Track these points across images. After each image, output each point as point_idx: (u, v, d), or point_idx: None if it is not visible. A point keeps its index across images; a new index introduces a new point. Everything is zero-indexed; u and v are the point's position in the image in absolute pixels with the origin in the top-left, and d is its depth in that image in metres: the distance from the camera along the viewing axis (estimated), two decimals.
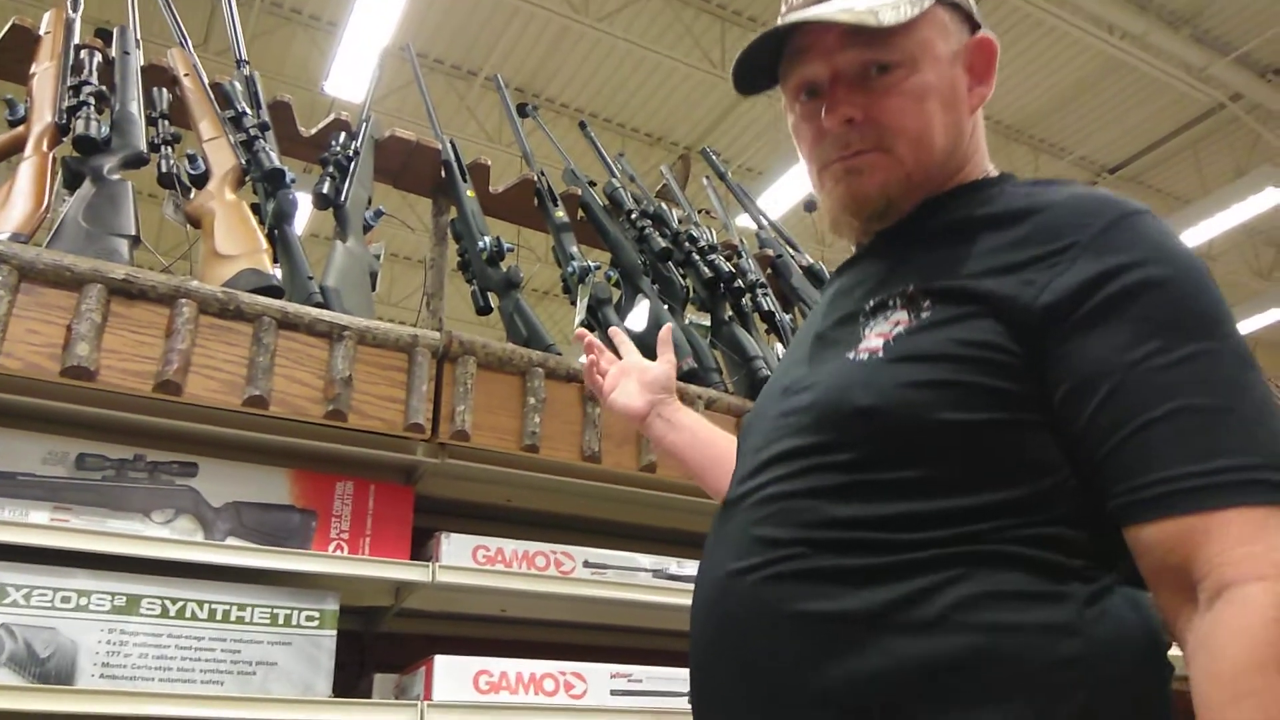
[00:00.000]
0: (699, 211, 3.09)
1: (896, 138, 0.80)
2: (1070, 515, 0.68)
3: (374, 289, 1.56)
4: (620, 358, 1.15)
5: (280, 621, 1.20)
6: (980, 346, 0.70)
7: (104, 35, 1.66)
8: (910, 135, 0.80)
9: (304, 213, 1.54)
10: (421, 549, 1.36)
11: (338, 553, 1.27)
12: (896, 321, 0.75)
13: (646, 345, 1.75)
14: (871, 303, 0.79)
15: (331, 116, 1.77)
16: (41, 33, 1.57)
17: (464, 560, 1.33)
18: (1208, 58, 7.33)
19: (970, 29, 0.85)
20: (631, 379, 1.10)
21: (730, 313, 1.93)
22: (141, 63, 1.60)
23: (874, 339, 0.76)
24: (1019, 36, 7.21)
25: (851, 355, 0.76)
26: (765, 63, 0.87)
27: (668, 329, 1.15)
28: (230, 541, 1.22)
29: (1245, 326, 9.38)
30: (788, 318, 2.02)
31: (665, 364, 1.10)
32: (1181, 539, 0.62)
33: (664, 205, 2.07)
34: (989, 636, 0.63)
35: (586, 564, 1.45)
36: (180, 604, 1.16)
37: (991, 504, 0.68)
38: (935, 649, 0.64)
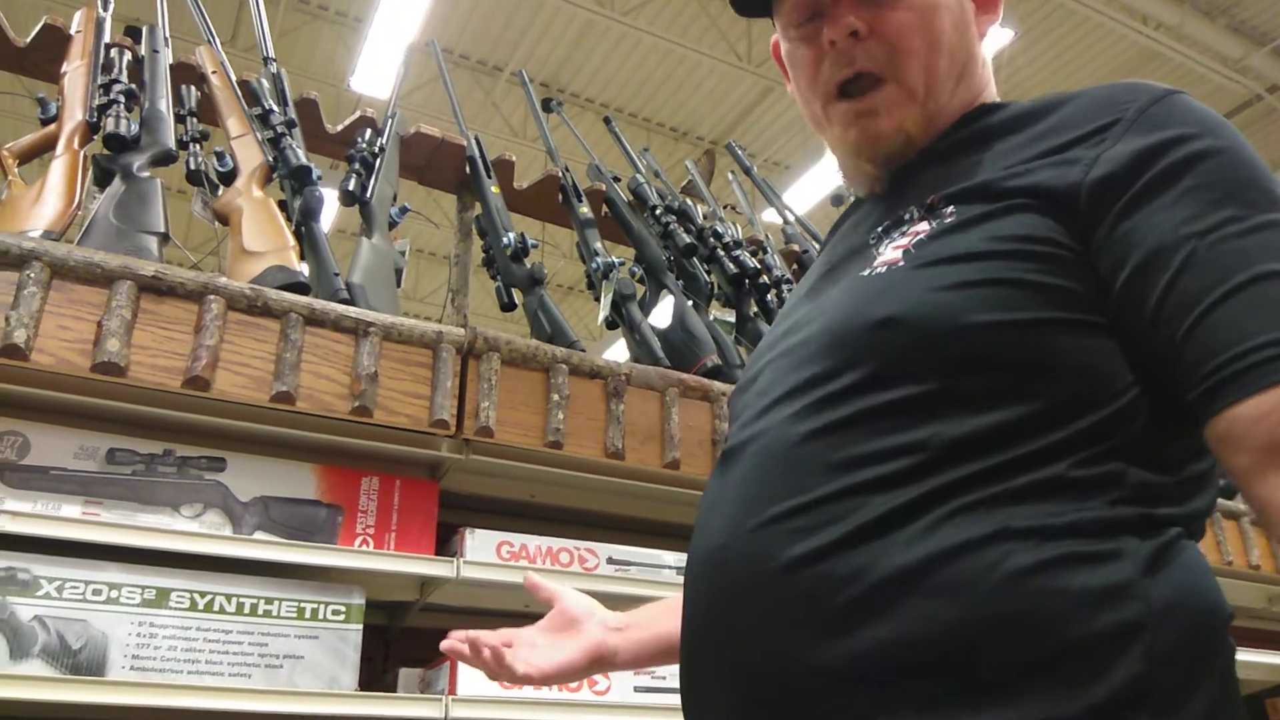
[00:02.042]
0: (724, 207, 3.08)
1: (906, 59, 0.73)
2: (1131, 447, 0.59)
3: (399, 285, 1.57)
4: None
5: (307, 615, 1.21)
6: (1022, 240, 0.62)
7: (133, 33, 1.67)
8: (920, 57, 0.73)
9: (330, 209, 1.55)
10: (446, 544, 1.37)
11: (363, 548, 1.28)
12: (916, 232, 0.67)
13: (671, 341, 1.76)
14: (883, 225, 0.71)
15: (357, 113, 1.78)
16: (72, 32, 1.59)
17: (488, 556, 1.34)
18: (1245, 48, 7.20)
19: None
20: (542, 637, 0.87)
21: (755, 309, 1.92)
22: (170, 61, 1.61)
23: (891, 252, 0.67)
24: (1053, 27, 7.11)
25: (865, 272, 0.68)
26: None
27: (531, 580, 0.95)
28: (258, 536, 1.23)
29: None
30: None
31: (560, 598, 0.91)
32: None
33: (689, 201, 2.06)
34: (1034, 600, 0.54)
35: (610, 560, 1.45)
36: (209, 597, 1.18)
37: (1036, 423, 0.58)
38: (967, 614, 0.54)
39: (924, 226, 0.66)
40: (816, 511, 0.60)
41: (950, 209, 0.66)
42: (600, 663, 0.87)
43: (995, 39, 6.18)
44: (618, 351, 7.56)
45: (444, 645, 0.86)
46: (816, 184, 7.57)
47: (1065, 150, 0.64)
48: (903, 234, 0.68)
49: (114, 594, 1.13)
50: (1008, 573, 0.55)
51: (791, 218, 2.33)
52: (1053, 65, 7.44)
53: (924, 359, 0.61)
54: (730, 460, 0.69)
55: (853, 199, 0.85)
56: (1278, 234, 0.58)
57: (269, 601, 1.20)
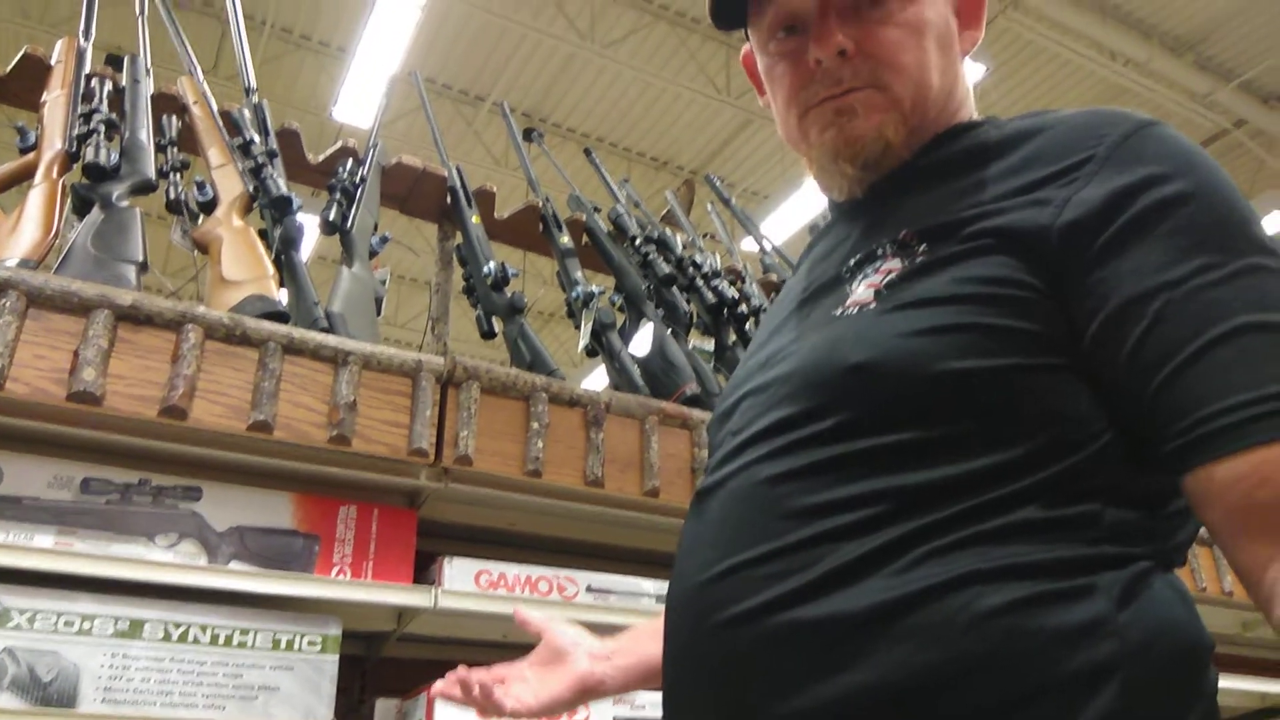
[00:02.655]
0: (703, 236, 3.11)
1: (894, 74, 0.71)
2: (1107, 487, 0.58)
3: (379, 314, 1.57)
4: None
5: (282, 646, 1.20)
6: (990, 283, 0.60)
7: (114, 60, 1.68)
8: (908, 72, 0.71)
9: (311, 236, 1.55)
10: (424, 573, 1.36)
11: (340, 577, 1.27)
12: (888, 270, 0.66)
13: (650, 370, 1.77)
14: (856, 258, 0.70)
15: (339, 144, 1.79)
16: (53, 61, 1.59)
17: (466, 585, 1.33)
18: (1211, 84, 7.37)
19: None
20: (531, 671, 0.88)
21: (734, 337, 1.94)
22: (152, 90, 1.62)
23: (862, 291, 0.66)
24: (1025, 62, 7.27)
25: (838, 312, 0.67)
26: None
27: (520, 614, 0.95)
28: (234, 566, 1.22)
29: None
30: None
31: (548, 630, 0.91)
32: (1275, 469, 0.52)
33: (669, 230, 2.08)
34: (1006, 641, 0.53)
35: (589, 589, 1.44)
36: (183, 628, 1.17)
37: (1009, 469, 0.58)
38: (940, 657, 0.54)
39: (895, 264, 0.66)
40: (787, 558, 0.59)
41: (922, 246, 0.65)
42: (588, 693, 0.87)
43: (968, 73, 6.29)
44: (598, 378, 7.56)
45: (435, 690, 0.86)
46: (795, 213, 7.64)
47: (1037, 189, 0.63)
48: (875, 270, 0.67)
49: (86, 625, 1.11)
50: (979, 613, 0.54)
51: (769, 247, 2.35)
52: (1025, 99, 7.59)
53: (896, 406, 0.60)
54: (704, 502, 0.69)
55: (827, 219, 0.84)
56: (1255, 279, 0.56)
57: (244, 632, 1.19)
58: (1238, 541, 0.54)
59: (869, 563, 0.57)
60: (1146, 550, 0.59)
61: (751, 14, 0.76)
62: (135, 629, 1.14)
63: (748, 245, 3.65)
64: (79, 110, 1.49)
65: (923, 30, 0.72)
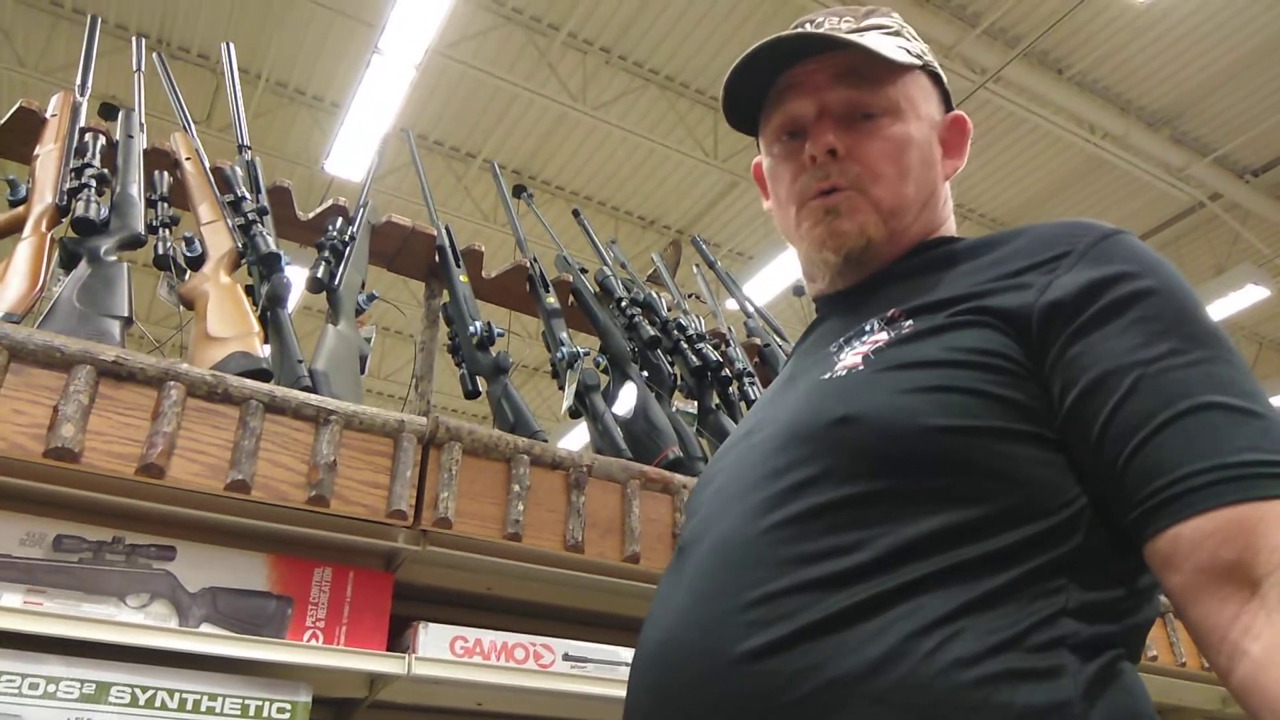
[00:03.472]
0: (688, 296, 3.13)
1: (875, 180, 0.79)
2: (1077, 559, 0.61)
3: (363, 372, 1.57)
4: None
5: (251, 713, 1.17)
6: (977, 352, 0.65)
7: (108, 110, 1.70)
8: (888, 179, 0.79)
9: (297, 288, 1.56)
10: (398, 638, 1.34)
11: (313, 641, 1.25)
12: (875, 340, 0.70)
13: (633, 432, 1.77)
14: (845, 336, 0.75)
15: (329, 202, 1.80)
16: (48, 115, 1.61)
17: (441, 652, 1.31)
18: (1187, 158, 7.56)
19: (946, 107, 0.87)
20: None
21: (717, 401, 1.94)
22: (145, 145, 1.63)
23: (852, 357, 0.70)
24: (1004, 133, 7.44)
25: (826, 376, 0.70)
26: (754, 95, 0.85)
27: None
28: (205, 628, 1.20)
29: None
30: None
31: None
32: (1239, 529, 0.55)
33: (654, 293, 2.10)
34: (975, 715, 0.54)
35: (566, 657, 1.42)
36: (150, 693, 1.14)
37: (984, 526, 0.60)
38: None
39: (883, 336, 0.70)
40: (768, 606, 0.60)
41: (909, 321, 0.70)
42: None
43: None
44: (580, 434, 7.52)
45: None
46: (779, 274, 7.73)
47: (1019, 275, 0.68)
48: (863, 342, 0.71)
49: (51, 688, 1.09)
50: (954, 684, 0.55)
51: (753, 310, 2.38)
52: (1004, 170, 7.76)
53: (880, 457, 0.63)
54: (684, 555, 0.71)
55: (816, 310, 0.89)
56: (1215, 367, 0.62)
57: (212, 698, 1.16)
58: (1200, 600, 0.56)
59: (849, 616, 0.58)
60: (1114, 629, 0.61)
61: (762, 120, 0.86)
62: (101, 692, 1.11)
63: (732, 305, 3.69)
64: (71, 165, 1.50)
65: (906, 146, 0.80)
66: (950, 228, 0.86)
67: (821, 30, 0.81)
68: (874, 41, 0.80)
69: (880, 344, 0.69)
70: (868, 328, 0.73)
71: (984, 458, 0.62)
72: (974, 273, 0.72)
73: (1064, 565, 0.60)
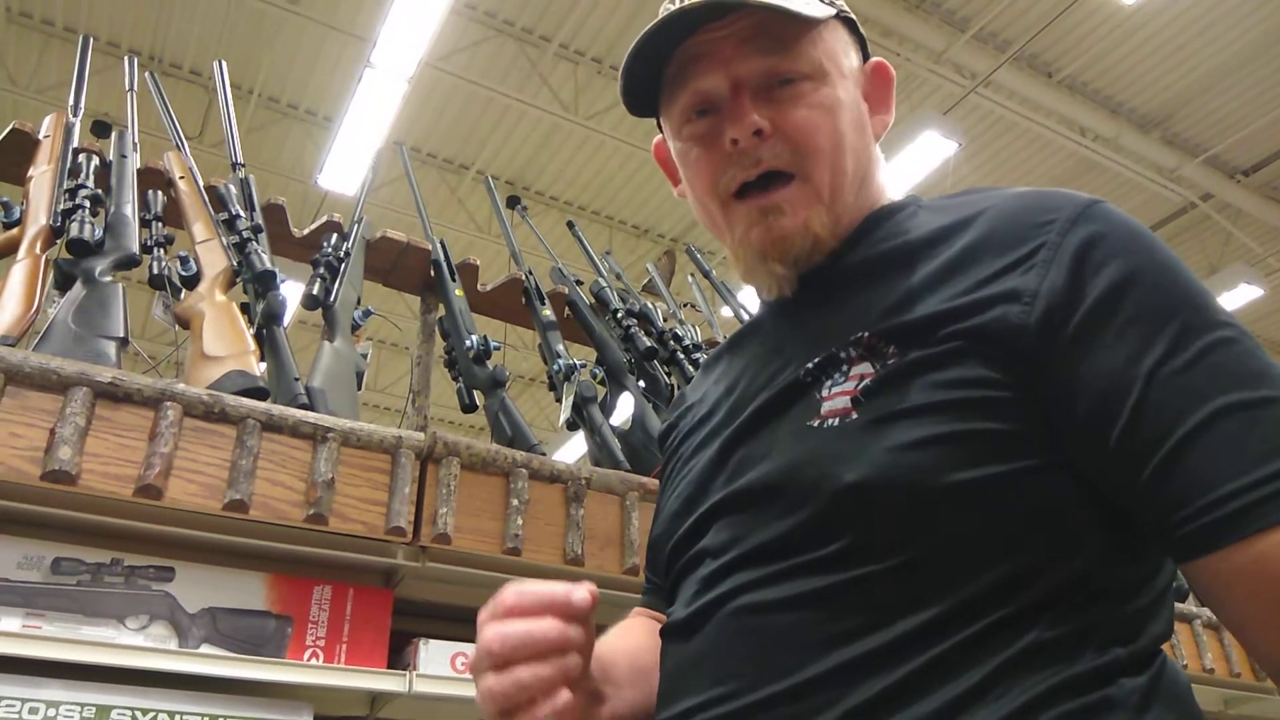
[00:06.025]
0: (683, 305, 3.14)
1: (812, 158, 0.70)
2: (1103, 584, 0.58)
3: (360, 388, 1.57)
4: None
5: None
6: (967, 386, 0.60)
7: (101, 127, 1.70)
8: (825, 156, 0.71)
9: (292, 303, 1.56)
10: (399, 656, 1.34)
11: (313, 660, 1.25)
12: (860, 376, 0.63)
13: (630, 443, 1.77)
14: (815, 361, 0.67)
15: (324, 219, 1.80)
16: (41, 136, 1.61)
17: (442, 669, 1.31)
18: (1178, 159, 7.59)
19: (864, 56, 0.79)
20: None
21: None
22: (138, 165, 1.63)
23: (837, 399, 0.64)
24: (995, 137, 7.46)
25: (814, 423, 0.64)
26: (653, 74, 0.75)
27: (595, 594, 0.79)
28: (204, 649, 1.19)
29: None
30: None
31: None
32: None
33: (649, 304, 2.10)
34: None
35: None
36: (151, 714, 1.13)
37: (1016, 580, 0.56)
38: None
39: (866, 369, 0.63)
40: (806, 697, 0.56)
41: (891, 349, 0.63)
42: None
43: (940, 150, 6.46)
44: (577, 444, 7.51)
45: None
46: None
47: (998, 279, 0.61)
48: (844, 375, 0.65)
49: (51, 712, 1.08)
50: None
51: (748, 317, 2.38)
52: (996, 174, 7.78)
53: (900, 525, 0.58)
54: (692, 629, 0.64)
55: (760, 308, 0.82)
56: (1221, 356, 0.57)
57: (213, 719, 1.16)
58: (1260, 624, 0.54)
59: (891, 700, 0.55)
60: (1151, 638, 0.59)
61: (663, 100, 0.76)
62: (102, 715, 1.11)
63: (727, 313, 3.69)
64: (65, 186, 1.50)
65: (836, 111, 0.71)
66: (889, 192, 0.77)
67: None
68: None
69: (867, 381, 0.63)
70: (843, 355, 0.65)
71: (1007, 504, 0.58)
72: (944, 276, 0.64)
73: (1096, 594, 0.58)
